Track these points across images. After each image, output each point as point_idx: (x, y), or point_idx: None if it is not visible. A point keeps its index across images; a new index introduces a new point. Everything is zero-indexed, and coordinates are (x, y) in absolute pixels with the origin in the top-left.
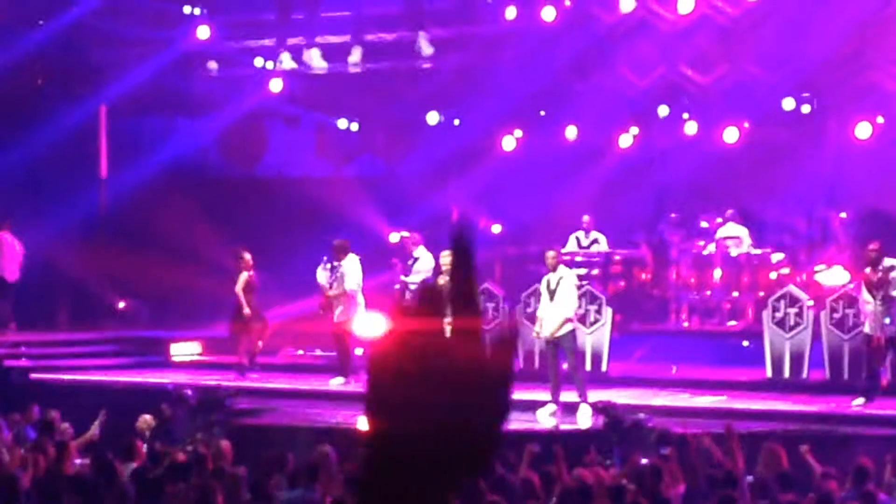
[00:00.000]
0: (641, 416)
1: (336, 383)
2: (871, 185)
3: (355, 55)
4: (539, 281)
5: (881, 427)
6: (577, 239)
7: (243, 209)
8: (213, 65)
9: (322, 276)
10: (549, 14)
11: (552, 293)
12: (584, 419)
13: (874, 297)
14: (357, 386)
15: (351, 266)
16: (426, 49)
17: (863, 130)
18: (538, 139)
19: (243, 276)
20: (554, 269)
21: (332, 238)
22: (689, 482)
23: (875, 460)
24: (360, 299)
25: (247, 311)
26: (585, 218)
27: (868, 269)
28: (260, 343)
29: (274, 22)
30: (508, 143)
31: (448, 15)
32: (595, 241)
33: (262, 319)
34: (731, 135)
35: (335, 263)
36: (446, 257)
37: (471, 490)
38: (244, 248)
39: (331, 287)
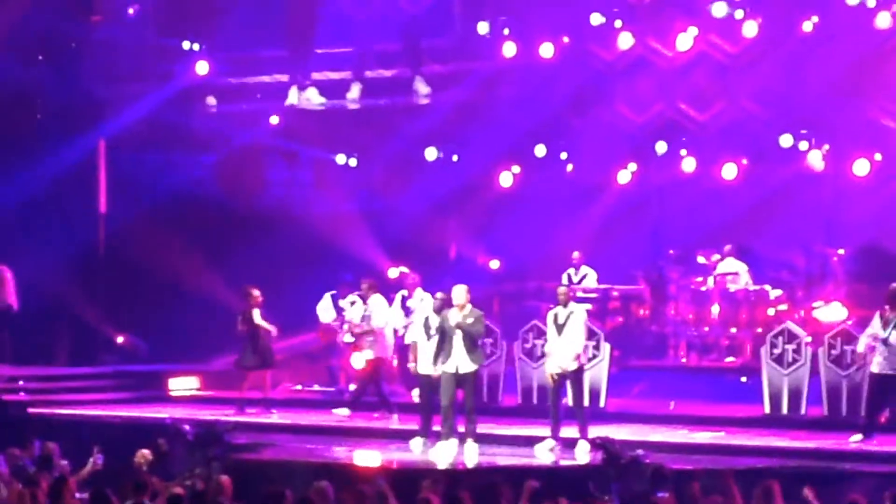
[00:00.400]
0: (640, 451)
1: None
2: (869, 222)
3: (354, 91)
4: (538, 316)
5: (879, 464)
6: (569, 276)
7: (242, 244)
8: (211, 100)
9: (325, 312)
10: (547, 51)
11: (560, 327)
12: (583, 455)
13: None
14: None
15: (378, 303)
16: (423, 90)
17: (861, 167)
18: (536, 175)
19: (257, 312)
20: (565, 305)
21: (340, 274)
22: None
23: (873, 497)
24: (390, 336)
25: (274, 331)
26: (575, 254)
27: (889, 307)
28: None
29: (272, 58)
30: (506, 178)
31: (446, 51)
32: (585, 276)
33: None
34: (728, 171)
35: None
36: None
37: None
38: (252, 286)
39: (358, 323)
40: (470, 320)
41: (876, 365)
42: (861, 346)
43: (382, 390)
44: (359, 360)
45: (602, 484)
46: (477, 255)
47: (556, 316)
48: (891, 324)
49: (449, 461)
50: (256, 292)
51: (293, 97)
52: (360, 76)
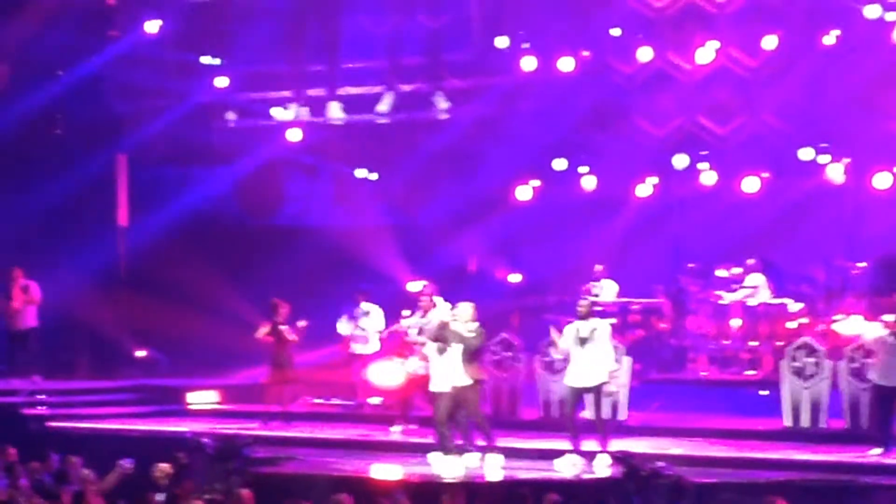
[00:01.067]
0: (660, 464)
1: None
2: (890, 235)
3: (385, 104)
4: (558, 330)
5: None
6: (589, 289)
7: (262, 259)
8: (231, 115)
9: (343, 325)
10: (566, 65)
11: (582, 341)
12: (603, 468)
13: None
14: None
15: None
16: (442, 105)
17: (881, 181)
18: (556, 189)
19: (284, 327)
20: (585, 319)
21: (358, 286)
22: None
23: None
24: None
25: (294, 338)
26: (598, 267)
27: (891, 318)
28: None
29: (292, 73)
30: (526, 192)
31: (466, 66)
32: (604, 288)
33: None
34: (748, 185)
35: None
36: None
37: None
38: (280, 299)
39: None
40: (472, 334)
41: (881, 376)
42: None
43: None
44: (399, 375)
45: (622, 498)
46: (497, 269)
47: (577, 329)
48: None
49: (468, 475)
50: (284, 306)
51: (305, 112)
52: (393, 87)
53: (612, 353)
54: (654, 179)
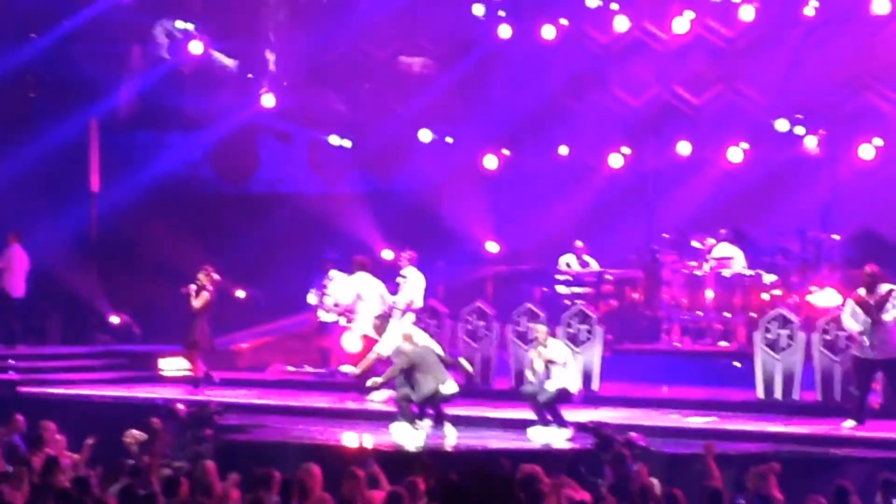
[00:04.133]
0: (632, 434)
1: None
2: (865, 208)
3: None
4: (531, 299)
5: (872, 449)
6: (568, 264)
7: (235, 225)
8: (203, 79)
9: (311, 293)
10: (549, 32)
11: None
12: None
13: (872, 318)
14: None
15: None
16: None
17: (857, 153)
18: (531, 158)
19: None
20: (544, 345)
21: (325, 255)
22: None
23: (865, 483)
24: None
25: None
26: (578, 243)
27: (863, 291)
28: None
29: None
30: (501, 161)
31: (442, 33)
32: (587, 264)
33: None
34: (724, 155)
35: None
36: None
37: None
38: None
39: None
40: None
41: (861, 349)
42: (854, 327)
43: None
44: (354, 342)
45: (593, 467)
46: (472, 238)
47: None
48: (873, 307)
49: (440, 445)
50: (212, 273)
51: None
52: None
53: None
54: (630, 149)
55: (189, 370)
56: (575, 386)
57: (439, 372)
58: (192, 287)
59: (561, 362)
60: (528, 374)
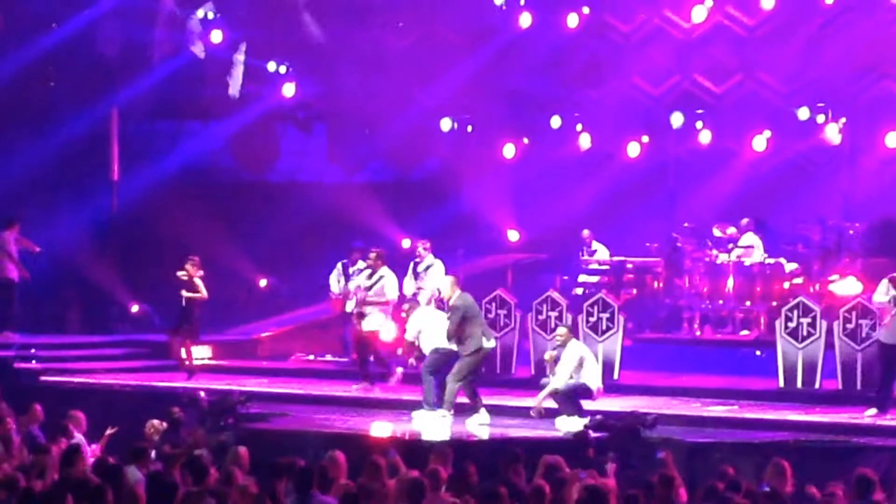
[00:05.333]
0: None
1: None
2: (886, 196)
3: None
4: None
5: (893, 438)
6: (580, 255)
7: (255, 214)
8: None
9: (335, 281)
10: (571, 21)
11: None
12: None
13: None
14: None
15: (390, 276)
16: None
17: (879, 141)
18: (551, 146)
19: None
20: (563, 346)
21: (348, 243)
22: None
23: (887, 471)
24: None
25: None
26: (585, 232)
27: None
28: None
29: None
30: (521, 149)
31: (462, 21)
32: (595, 251)
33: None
34: (744, 144)
35: (357, 270)
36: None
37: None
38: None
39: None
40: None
41: (888, 335)
42: (883, 299)
43: (374, 361)
44: (388, 333)
45: (602, 454)
46: (492, 226)
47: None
48: None
49: (458, 433)
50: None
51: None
52: None
53: (565, 373)
54: (651, 138)
55: (187, 359)
56: (594, 384)
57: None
58: (184, 276)
59: (575, 365)
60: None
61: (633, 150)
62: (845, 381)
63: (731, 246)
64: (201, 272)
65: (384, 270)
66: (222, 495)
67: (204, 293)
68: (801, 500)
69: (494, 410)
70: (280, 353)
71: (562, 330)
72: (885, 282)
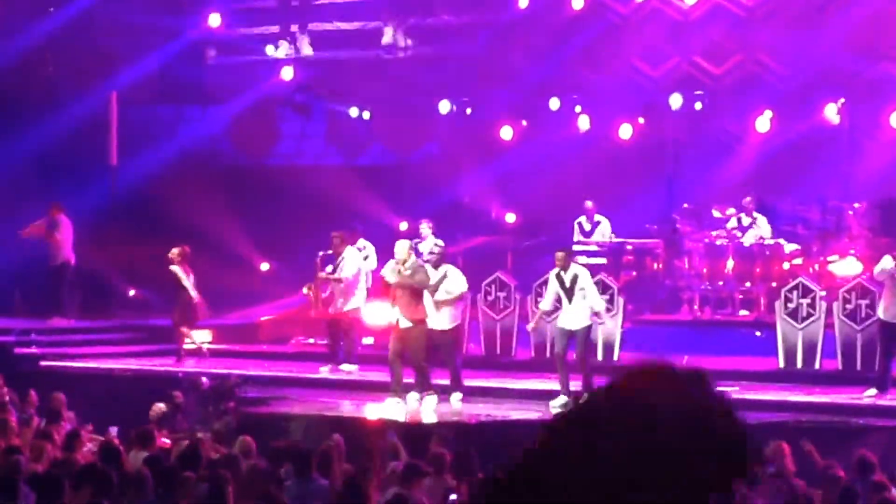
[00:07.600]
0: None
1: (325, 370)
2: (886, 176)
3: (388, 36)
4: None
5: (893, 418)
6: (580, 224)
7: (254, 198)
8: (223, 53)
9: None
10: (571, 3)
11: (566, 291)
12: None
13: None
14: (360, 374)
15: (351, 256)
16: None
17: (877, 121)
18: (550, 128)
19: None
20: (565, 270)
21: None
22: None
23: (886, 451)
24: (362, 289)
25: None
26: (588, 203)
27: None
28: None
29: (285, 7)
30: (520, 132)
31: (460, 2)
32: (598, 223)
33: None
34: (744, 125)
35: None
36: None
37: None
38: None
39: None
40: (408, 272)
41: (886, 312)
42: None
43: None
44: (375, 315)
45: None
46: (491, 209)
47: (558, 280)
48: None
49: (460, 416)
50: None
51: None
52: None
53: (595, 295)
54: (650, 119)
55: (184, 343)
56: (600, 305)
57: None
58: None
59: (581, 286)
60: (544, 302)
61: (632, 131)
62: (845, 361)
63: (732, 227)
64: (179, 258)
65: (347, 251)
66: (223, 479)
67: (185, 283)
68: (802, 477)
69: (495, 393)
70: (281, 337)
71: (560, 253)
72: (887, 257)
